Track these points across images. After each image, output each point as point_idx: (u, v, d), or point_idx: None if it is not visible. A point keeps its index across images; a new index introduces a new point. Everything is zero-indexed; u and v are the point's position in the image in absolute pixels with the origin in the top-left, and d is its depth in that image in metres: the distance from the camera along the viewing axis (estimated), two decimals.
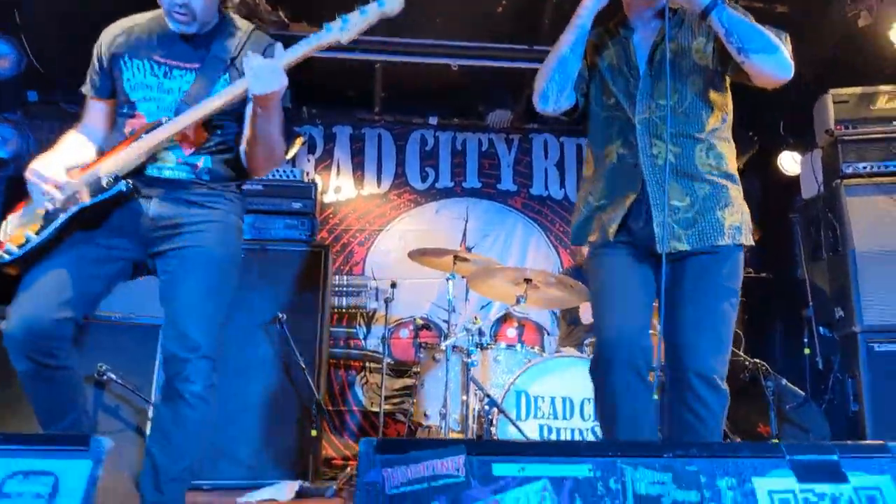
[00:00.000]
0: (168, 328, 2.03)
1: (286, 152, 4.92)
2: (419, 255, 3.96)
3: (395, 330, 5.00)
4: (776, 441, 3.30)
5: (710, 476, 1.01)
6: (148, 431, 3.34)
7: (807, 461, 1.02)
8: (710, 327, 1.97)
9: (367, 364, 5.01)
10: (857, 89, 4.04)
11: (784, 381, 3.45)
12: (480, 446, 1.00)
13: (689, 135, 2.08)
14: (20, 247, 1.99)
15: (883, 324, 3.61)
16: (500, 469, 0.97)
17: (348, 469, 4.12)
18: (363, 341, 5.04)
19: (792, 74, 2.02)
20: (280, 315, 4.04)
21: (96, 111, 2.18)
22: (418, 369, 3.99)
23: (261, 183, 4.37)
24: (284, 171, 4.56)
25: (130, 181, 2.00)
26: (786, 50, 1.98)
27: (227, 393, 3.87)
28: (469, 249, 5.09)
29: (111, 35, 2.15)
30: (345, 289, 5.05)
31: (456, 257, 3.87)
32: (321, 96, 5.05)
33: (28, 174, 2.01)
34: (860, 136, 3.96)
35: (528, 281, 3.50)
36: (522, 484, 0.97)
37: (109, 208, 2.01)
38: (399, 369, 4.98)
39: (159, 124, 2.01)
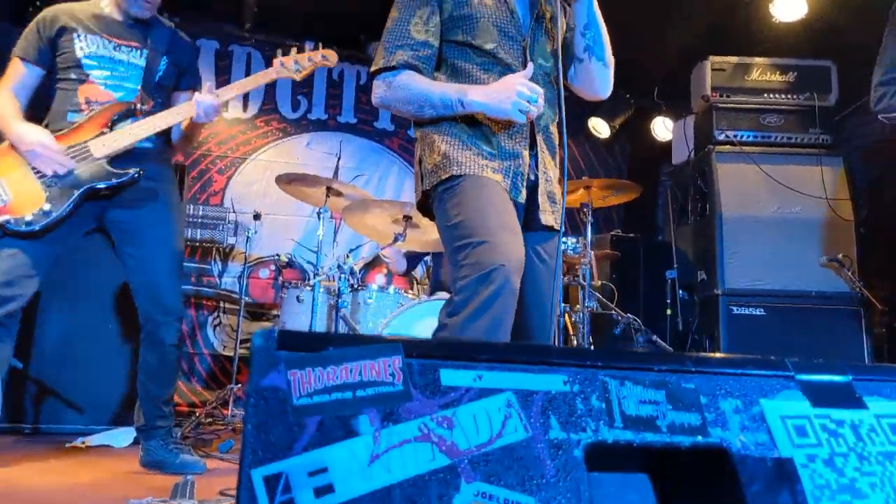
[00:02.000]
0: (144, 291, 2.48)
1: None
2: (287, 181, 3.61)
3: (254, 268, 4.61)
4: None
5: (710, 396, 0.85)
6: None
7: (818, 382, 0.89)
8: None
9: (222, 304, 4.59)
10: (735, 59, 4.15)
11: (654, 337, 3.52)
12: (424, 347, 0.74)
13: (556, 103, 1.96)
14: (44, 215, 2.29)
15: (743, 288, 3.75)
16: (451, 377, 0.73)
17: (195, 416, 3.76)
18: (217, 279, 4.61)
19: (607, 95, 2.05)
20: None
21: (30, 76, 2.46)
22: (278, 312, 3.68)
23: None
24: None
25: (139, 169, 2.39)
26: (611, 70, 1.99)
27: (63, 331, 3.42)
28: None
29: (55, 12, 2.47)
30: (200, 220, 4.56)
31: (329, 189, 3.56)
32: (186, 3, 4.46)
33: (35, 145, 2.30)
34: (733, 105, 4.08)
35: (407, 219, 3.27)
36: (480, 397, 0.74)
37: None
38: (256, 311, 4.61)
39: (130, 110, 2.42)
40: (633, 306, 4.38)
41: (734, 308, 3.76)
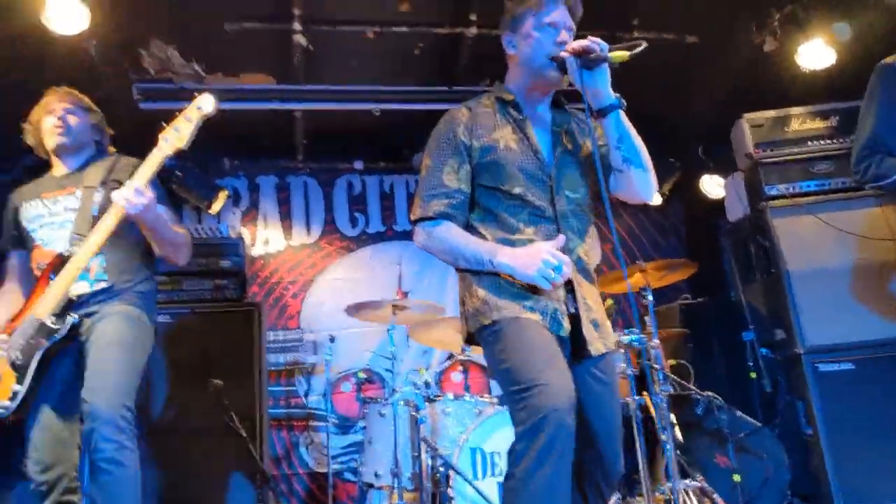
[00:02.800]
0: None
1: (210, 207, 4.70)
2: (355, 310, 3.81)
3: (336, 384, 4.79)
4: (737, 475, 3.28)
5: None
6: None
7: None
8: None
9: (311, 423, 4.77)
10: (771, 112, 4.13)
11: (738, 413, 3.44)
12: None
13: (586, 231, 2.06)
14: (11, 400, 2.33)
15: (825, 343, 3.61)
16: None
17: None
18: (304, 398, 4.81)
19: (654, 199, 2.08)
20: (215, 382, 3.81)
21: (20, 262, 2.62)
22: (364, 425, 3.81)
23: None
24: (210, 228, 4.35)
25: (75, 314, 2.39)
26: (653, 173, 2.04)
27: (167, 468, 3.66)
28: (406, 294, 4.96)
29: (10, 196, 2.65)
30: (281, 345, 4.82)
31: (394, 307, 3.73)
32: (242, 147, 4.86)
33: None
34: (779, 159, 4.02)
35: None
36: None
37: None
38: (344, 425, 4.76)
39: (62, 258, 2.39)
40: (713, 375, 4.30)
41: (820, 366, 3.61)
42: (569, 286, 1.95)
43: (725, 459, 3.42)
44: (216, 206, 4.74)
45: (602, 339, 1.97)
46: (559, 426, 1.64)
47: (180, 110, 4.03)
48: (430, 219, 1.99)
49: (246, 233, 4.90)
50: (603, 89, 1.94)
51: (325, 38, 3.97)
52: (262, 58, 4.15)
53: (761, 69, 4.32)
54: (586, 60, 1.89)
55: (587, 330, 1.94)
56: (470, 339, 2.03)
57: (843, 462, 3.43)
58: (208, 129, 4.42)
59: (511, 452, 1.71)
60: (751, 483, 3.45)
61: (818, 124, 4.09)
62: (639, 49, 1.89)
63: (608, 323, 2.06)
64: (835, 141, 4.01)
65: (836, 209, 3.84)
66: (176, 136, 2.45)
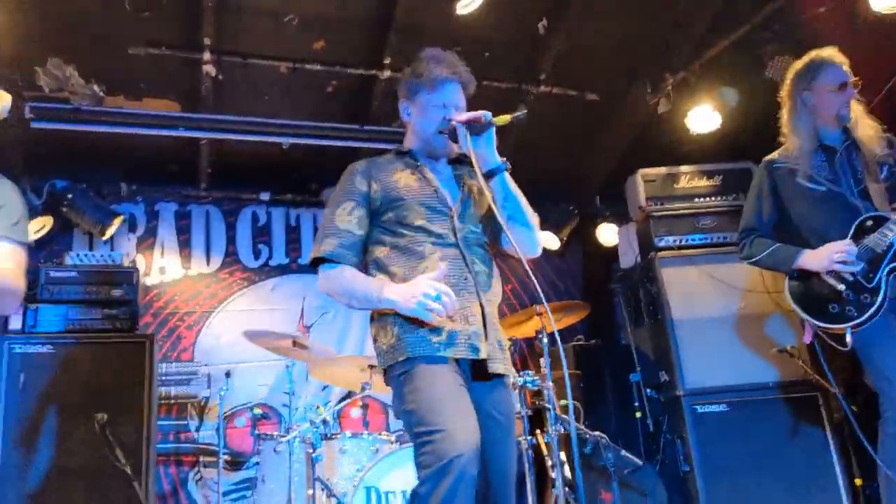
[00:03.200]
0: None
1: (103, 232, 4.51)
2: (255, 337, 3.75)
3: (230, 419, 4.65)
4: None
5: None
6: None
7: None
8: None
9: (201, 458, 4.59)
10: (663, 169, 4.44)
11: (622, 452, 3.61)
12: None
13: (491, 260, 2.19)
14: None
15: (703, 386, 3.88)
16: None
17: None
18: (195, 433, 4.63)
19: (538, 254, 2.22)
20: (99, 416, 3.64)
21: None
22: (258, 460, 3.73)
23: (74, 270, 3.97)
24: (102, 255, 4.18)
25: None
26: (538, 230, 2.20)
27: None
28: (308, 328, 4.91)
29: None
30: (173, 377, 4.63)
31: (294, 343, 3.70)
32: (142, 172, 4.70)
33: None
34: (669, 213, 4.33)
35: (372, 367, 3.41)
36: None
37: None
38: (237, 461, 4.62)
39: None
40: (604, 413, 4.50)
41: (698, 407, 3.87)
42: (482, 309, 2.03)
43: (610, 496, 3.57)
44: (109, 232, 4.56)
45: (504, 362, 2.07)
46: (462, 473, 1.70)
47: (74, 132, 3.94)
48: (327, 261, 2.06)
49: (141, 260, 4.72)
50: (490, 153, 2.10)
51: (237, 68, 3.95)
52: (168, 84, 4.07)
53: (655, 128, 4.63)
54: (474, 127, 2.05)
55: (492, 349, 2.02)
56: (386, 377, 2.07)
57: (715, 498, 3.69)
58: (105, 151, 4.34)
59: (414, 495, 1.75)
60: None
61: (704, 182, 4.42)
62: (520, 114, 2.09)
63: (507, 349, 2.15)
64: (719, 198, 4.36)
65: (719, 262, 4.16)
66: None
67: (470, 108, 2.19)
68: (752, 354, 3.94)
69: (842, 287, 2.73)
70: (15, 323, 3.89)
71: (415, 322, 1.96)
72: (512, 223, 2.11)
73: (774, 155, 3.05)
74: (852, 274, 2.72)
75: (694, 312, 4.06)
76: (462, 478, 1.69)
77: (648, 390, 4.37)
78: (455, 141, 2.11)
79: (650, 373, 4.33)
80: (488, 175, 2.10)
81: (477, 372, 2.01)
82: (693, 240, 4.27)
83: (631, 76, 4.49)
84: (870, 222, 2.78)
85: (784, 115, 3.04)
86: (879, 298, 2.67)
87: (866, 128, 2.91)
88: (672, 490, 3.86)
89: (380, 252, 2.10)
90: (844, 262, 2.71)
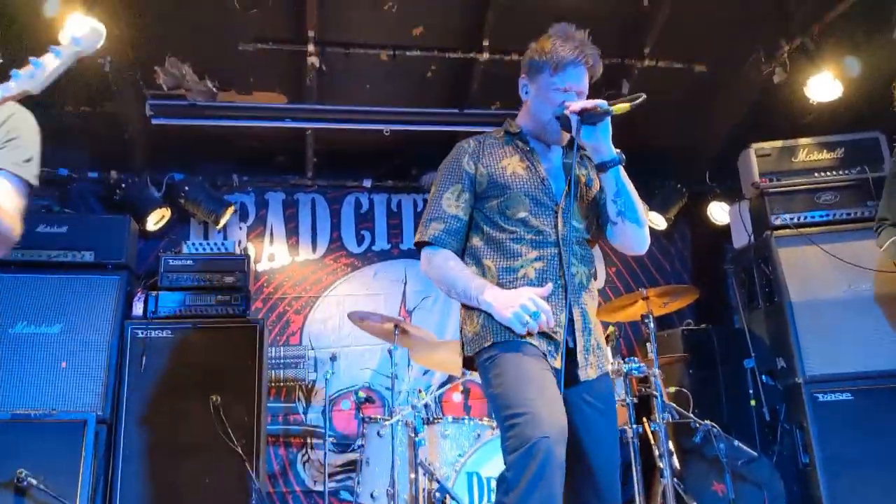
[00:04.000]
0: None
1: (217, 221, 4.74)
2: (359, 318, 3.83)
3: (335, 402, 4.79)
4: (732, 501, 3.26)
5: None
6: None
7: None
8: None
9: (309, 440, 4.76)
10: (778, 142, 4.17)
11: (736, 442, 3.44)
12: None
13: (590, 259, 2.11)
14: None
15: (825, 374, 3.64)
16: None
17: None
18: (303, 416, 4.81)
19: (645, 251, 2.15)
20: (214, 398, 3.84)
21: None
22: (362, 443, 3.82)
23: (191, 258, 4.20)
24: (216, 244, 4.39)
25: None
26: (647, 227, 2.09)
27: (166, 483, 3.70)
28: (410, 312, 4.97)
29: None
30: (282, 361, 4.81)
31: (397, 327, 3.75)
32: (252, 163, 4.90)
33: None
34: (785, 189, 4.06)
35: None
36: None
37: None
38: (342, 443, 4.76)
39: None
40: (715, 401, 4.28)
41: (819, 396, 3.63)
42: (569, 316, 1.96)
43: (723, 487, 3.41)
44: (223, 221, 4.80)
45: (597, 364, 2.00)
46: (548, 455, 1.65)
47: (190, 127, 4.16)
48: (430, 244, 2.05)
49: (252, 248, 4.93)
50: (604, 145, 1.99)
51: (339, 59, 4.02)
52: (275, 77, 4.21)
53: (770, 100, 4.34)
54: (589, 117, 1.94)
55: (581, 357, 1.96)
56: (467, 364, 2.06)
57: (838, 492, 3.45)
58: (218, 144, 4.55)
59: (501, 480, 1.72)
60: None
61: (824, 155, 4.12)
62: (639, 100, 1.95)
63: (606, 346, 2.08)
64: (840, 172, 4.05)
65: (840, 240, 3.87)
66: (28, 74, 1.73)
67: None
68: (880, 339, 3.65)
69: None
70: (137, 309, 4.16)
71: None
72: (622, 219, 2.05)
73: None
74: None
75: (814, 294, 3.81)
76: (549, 460, 1.64)
77: (764, 377, 4.14)
78: (568, 130, 2.02)
79: (766, 359, 4.10)
80: (601, 167, 2.02)
81: (567, 380, 1.93)
82: (813, 217, 4.00)
83: (742, 45, 4.22)
84: None
85: None
86: None
87: None
88: (790, 483, 3.64)
89: (477, 241, 2.07)
90: None
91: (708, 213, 5.07)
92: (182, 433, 3.83)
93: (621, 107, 1.95)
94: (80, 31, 1.83)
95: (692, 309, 5.06)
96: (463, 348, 2.04)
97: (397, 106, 4.38)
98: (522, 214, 2.00)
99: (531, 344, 1.88)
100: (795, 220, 4.01)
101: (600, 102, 1.94)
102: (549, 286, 1.93)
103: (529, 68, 2.11)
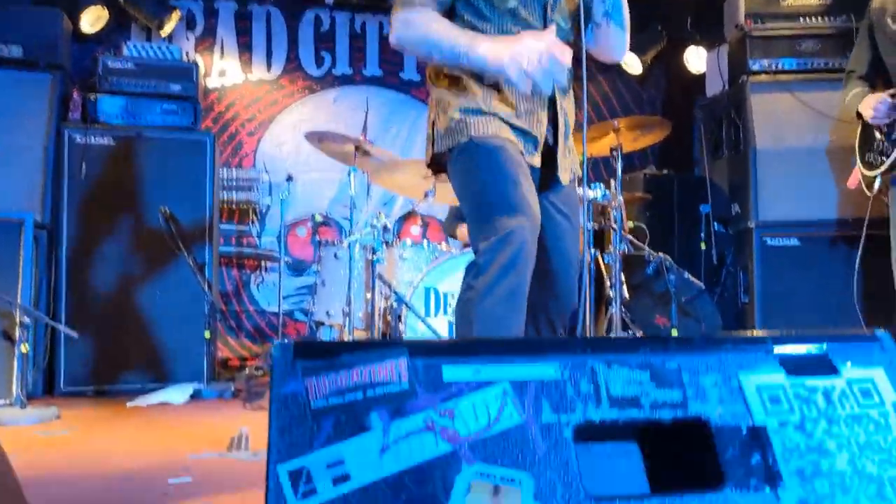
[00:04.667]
0: None
1: (161, 26, 4.36)
2: (317, 139, 3.66)
3: (291, 227, 4.72)
4: (675, 330, 3.39)
5: (692, 373, 0.93)
6: (16, 336, 3.05)
7: (794, 355, 0.95)
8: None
9: (263, 263, 4.73)
10: None
11: (686, 274, 3.52)
12: (426, 348, 0.84)
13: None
14: None
15: (777, 219, 3.73)
16: (451, 373, 0.81)
17: (246, 370, 3.96)
18: (257, 239, 4.74)
19: (623, 58, 2.08)
20: (163, 208, 3.70)
21: None
22: (318, 268, 3.79)
23: (131, 61, 3.87)
24: (160, 48, 4.05)
25: None
26: (629, 34, 1.98)
27: (112, 294, 3.61)
28: (371, 143, 4.80)
29: None
30: (234, 182, 4.66)
31: (357, 148, 3.60)
32: None
33: None
34: (768, 33, 3.94)
35: (436, 174, 3.29)
36: (478, 389, 0.84)
37: None
38: (297, 268, 4.74)
39: None
40: (668, 243, 4.37)
41: (768, 239, 3.76)
42: (552, 112, 1.85)
43: (665, 320, 3.54)
44: (167, 28, 4.40)
45: (570, 168, 1.93)
46: (522, 244, 1.62)
47: None
48: (408, 5, 1.80)
49: (200, 61, 4.58)
50: None
51: None
52: None
53: None
54: None
55: (561, 159, 1.88)
56: (433, 165, 1.94)
57: (771, 327, 3.63)
58: None
59: (472, 266, 1.68)
60: None
61: (812, 1, 3.96)
62: None
63: (576, 149, 1.99)
64: (827, 19, 3.92)
65: (817, 89, 3.82)
66: None
67: None
68: (835, 189, 3.70)
69: (877, 135, 2.82)
70: (73, 112, 3.88)
71: (481, 107, 1.78)
72: (607, 20, 1.90)
73: None
74: (886, 125, 2.77)
75: (780, 142, 3.81)
76: (522, 248, 1.61)
77: (716, 224, 4.23)
78: None
79: (721, 206, 4.17)
80: None
81: (543, 181, 1.86)
82: (791, 64, 3.91)
83: None
84: None
85: None
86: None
87: None
88: (728, 320, 3.82)
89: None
90: (874, 119, 2.77)
91: (684, 59, 4.92)
92: (129, 244, 3.72)
93: None
94: None
95: (655, 155, 5.05)
96: (431, 146, 1.91)
97: None
98: (512, 4, 1.82)
99: (510, 141, 1.78)
100: (774, 67, 3.92)
101: None
102: (553, 28, 1.78)
103: None
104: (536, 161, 1.83)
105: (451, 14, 1.88)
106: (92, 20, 4.21)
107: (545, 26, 1.84)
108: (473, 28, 1.84)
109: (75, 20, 4.09)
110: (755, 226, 3.74)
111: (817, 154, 3.74)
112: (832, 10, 3.92)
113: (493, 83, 1.81)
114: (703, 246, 4.16)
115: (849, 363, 0.95)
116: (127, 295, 3.69)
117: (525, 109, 1.82)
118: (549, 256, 1.87)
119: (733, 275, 3.95)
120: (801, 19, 3.94)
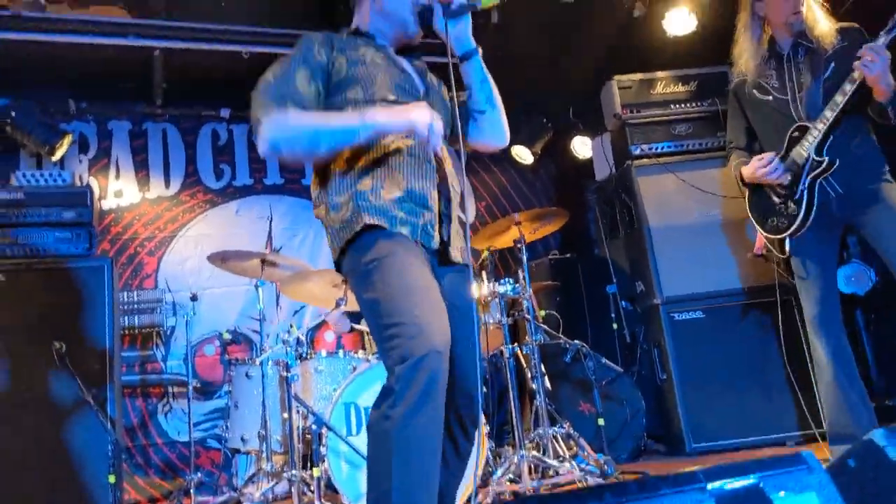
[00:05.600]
0: None
1: (52, 152, 4.23)
2: (220, 259, 3.58)
3: (198, 347, 4.52)
4: (601, 419, 3.41)
5: None
6: None
7: (728, 491, 0.95)
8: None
9: (170, 389, 4.47)
10: (639, 75, 4.32)
11: (603, 359, 3.60)
12: None
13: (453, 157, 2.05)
14: None
15: (680, 294, 3.88)
16: None
17: None
18: (162, 363, 4.50)
19: (507, 142, 2.12)
20: (57, 344, 3.47)
21: None
22: (229, 388, 3.62)
23: (21, 191, 3.71)
24: (52, 175, 3.90)
25: None
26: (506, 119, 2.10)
27: (7, 439, 3.32)
28: (276, 251, 4.74)
29: None
30: (136, 306, 4.45)
31: (264, 261, 3.54)
32: (92, 88, 4.39)
33: None
34: (644, 120, 4.23)
35: (346, 281, 3.27)
36: None
37: None
38: (207, 391, 4.51)
39: None
40: (580, 326, 4.48)
41: (675, 314, 3.88)
42: (443, 190, 1.90)
43: (589, 406, 3.57)
44: (59, 152, 4.27)
45: (461, 250, 1.92)
46: (438, 367, 1.58)
47: (14, 42, 3.63)
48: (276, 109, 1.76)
49: (95, 183, 4.46)
50: (465, 35, 1.97)
51: None
52: None
53: (630, 34, 4.46)
54: (451, 10, 1.92)
55: (454, 235, 1.89)
56: (339, 267, 1.90)
57: (692, 403, 3.73)
58: (50, 64, 4.02)
59: (387, 392, 1.61)
60: (611, 427, 3.64)
61: (680, 88, 4.32)
62: None
63: (463, 238, 1.98)
64: (695, 104, 4.26)
65: (696, 168, 4.11)
66: None
67: None
68: (729, 260, 3.94)
69: (776, 199, 2.86)
70: None
71: (374, 192, 1.78)
72: (490, 105, 2.04)
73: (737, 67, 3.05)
74: (782, 186, 2.81)
75: (671, 220, 4.03)
76: (437, 374, 1.58)
77: (624, 302, 4.37)
78: (425, 24, 1.97)
79: (626, 284, 4.32)
80: (464, 57, 1.98)
81: (439, 259, 1.87)
82: (669, 147, 4.20)
83: None
84: (796, 133, 2.80)
85: (738, 26, 3.03)
86: (802, 210, 2.75)
87: (822, 27, 2.78)
88: (649, 398, 3.89)
89: None
90: (768, 175, 2.80)
91: (571, 147, 5.20)
92: (22, 385, 3.43)
93: (489, 1, 1.93)
94: None
95: (557, 240, 5.25)
96: (332, 243, 1.87)
97: (258, 25, 4.05)
98: (391, 98, 1.87)
99: (404, 231, 1.77)
100: (653, 150, 4.19)
101: None
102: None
103: None
104: (435, 242, 1.83)
105: None
106: None
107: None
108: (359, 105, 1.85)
109: None
110: (661, 302, 3.87)
111: (709, 228, 3.98)
112: (698, 95, 4.27)
113: (382, 167, 1.81)
114: (614, 326, 4.28)
115: (782, 492, 0.96)
116: (23, 441, 3.38)
117: (418, 189, 1.82)
118: (455, 357, 1.81)
119: (647, 352, 4.05)
120: (672, 105, 4.27)
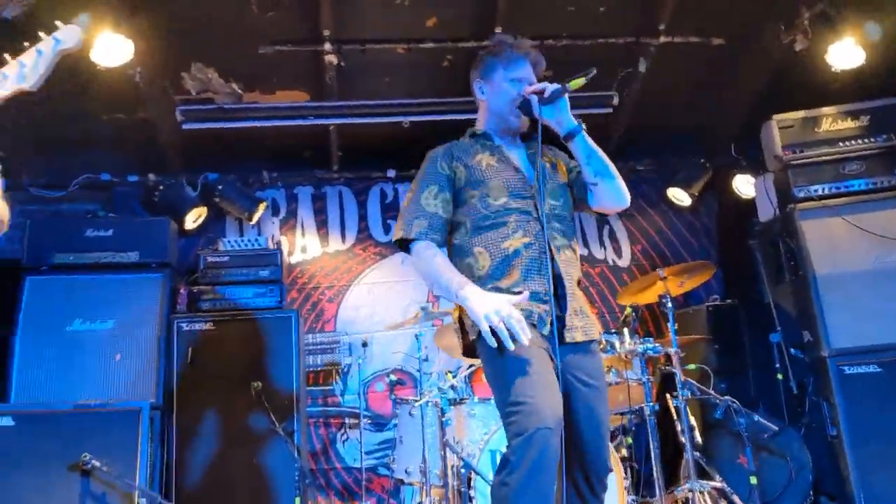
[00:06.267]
0: None
1: (250, 217, 4.95)
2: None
3: (370, 384, 4.99)
4: (753, 477, 3.31)
5: None
6: None
7: None
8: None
9: (347, 420, 4.98)
10: (801, 113, 4.09)
11: (756, 417, 3.47)
12: None
13: (572, 231, 2.25)
14: None
15: (850, 346, 3.62)
16: None
17: None
18: (340, 397, 5.02)
19: (628, 203, 2.26)
20: (255, 384, 4.05)
21: None
22: (396, 423, 4.01)
23: (227, 255, 4.40)
24: (250, 240, 4.58)
25: None
26: (622, 181, 2.23)
27: (216, 468, 3.93)
28: (438, 297, 5.10)
29: None
30: (318, 346, 5.03)
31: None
32: (280, 160, 5.08)
33: None
34: (809, 160, 4.00)
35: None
36: None
37: None
38: (378, 423, 4.96)
39: None
40: (742, 374, 4.30)
41: (845, 368, 3.61)
42: (560, 290, 2.10)
43: (745, 458, 3.46)
44: (256, 217, 5.00)
45: (583, 328, 2.12)
46: (546, 445, 1.79)
47: (220, 129, 4.34)
48: (416, 240, 2.15)
49: (285, 241, 5.12)
50: (565, 117, 2.17)
51: (356, 55, 4.13)
52: (296, 76, 4.35)
53: (792, 69, 4.28)
54: (547, 96, 2.13)
55: (568, 319, 2.09)
56: (468, 351, 2.17)
57: (865, 463, 3.45)
58: (247, 143, 4.73)
59: (505, 461, 1.85)
60: (774, 483, 3.48)
61: (849, 124, 4.05)
62: (591, 74, 2.11)
63: (591, 314, 2.20)
64: (865, 141, 3.97)
65: (868, 210, 3.83)
66: (17, 74, 1.92)
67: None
68: None
69: None
70: (180, 304, 4.40)
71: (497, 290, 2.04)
72: (600, 178, 2.20)
73: None
74: None
75: (839, 267, 3.77)
76: (546, 449, 1.79)
77: (793, 350, 4.13)
78: (528, 114, 2.21)
79: (793, 332, 4.08)
80: (567, 137, 2.18)
81: (560, 339, 2.06)
82: (838, 188, 3.94)
83: (759, 15, 4.16)
84: None
85: None
86: None
87: None
88: (819, 454, 3.66)
89: (462, 234, 2.19)
90: None
91: (734, 186, 5.04)
92: (229, 418, 4.05)
93: (576, 81, 2.12)
94: (60, 33, 2.01)
95: (720, 283, 5.07)
96: (463, 336, 2.15)
97: (415, 97, 4.48)
98: (503, 200, 2.15)
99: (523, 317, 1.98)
100: (820, 192, 3.96)
101: (547, 85, 2.15)
102: (527, 293, 2.02)
103: (483, 69, 2.32)
104: (546, 330, 2.03)
105: (455, 224, 2.21)
106: (194, 217, 4.88)
107: (537, 210, 2.13)
108: (476, 226, 2.16)
109: (181, 221, 4.73)
110: (829, 355, 3.63)
111: (880, 276, 3.69)
112: (870, 130, 3.98)
113: (503, 266, 2.09)
114: (779, 376, 4.07)
115: None
116: (230, 465, 3.97)
117: (534, 286, 2.06)
118: (579, 427, 2.03)
119: (817, 405, 3.78)
120: (841, 143, 4.01)
